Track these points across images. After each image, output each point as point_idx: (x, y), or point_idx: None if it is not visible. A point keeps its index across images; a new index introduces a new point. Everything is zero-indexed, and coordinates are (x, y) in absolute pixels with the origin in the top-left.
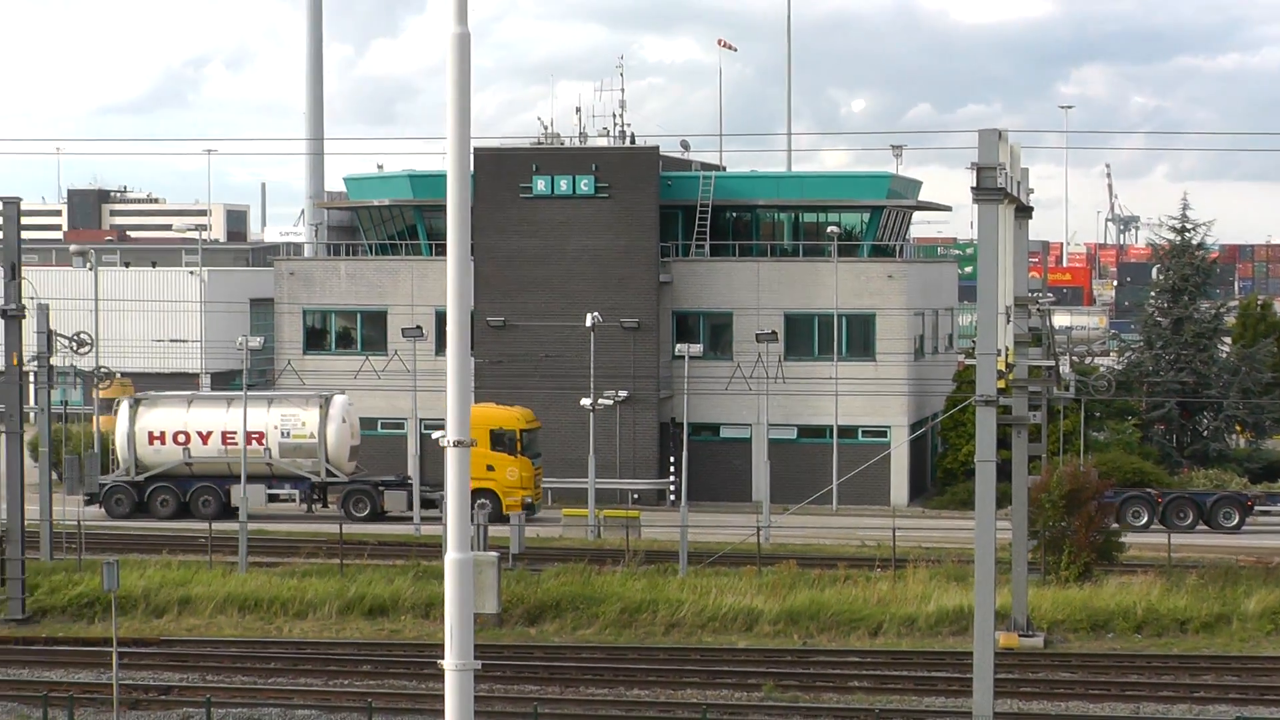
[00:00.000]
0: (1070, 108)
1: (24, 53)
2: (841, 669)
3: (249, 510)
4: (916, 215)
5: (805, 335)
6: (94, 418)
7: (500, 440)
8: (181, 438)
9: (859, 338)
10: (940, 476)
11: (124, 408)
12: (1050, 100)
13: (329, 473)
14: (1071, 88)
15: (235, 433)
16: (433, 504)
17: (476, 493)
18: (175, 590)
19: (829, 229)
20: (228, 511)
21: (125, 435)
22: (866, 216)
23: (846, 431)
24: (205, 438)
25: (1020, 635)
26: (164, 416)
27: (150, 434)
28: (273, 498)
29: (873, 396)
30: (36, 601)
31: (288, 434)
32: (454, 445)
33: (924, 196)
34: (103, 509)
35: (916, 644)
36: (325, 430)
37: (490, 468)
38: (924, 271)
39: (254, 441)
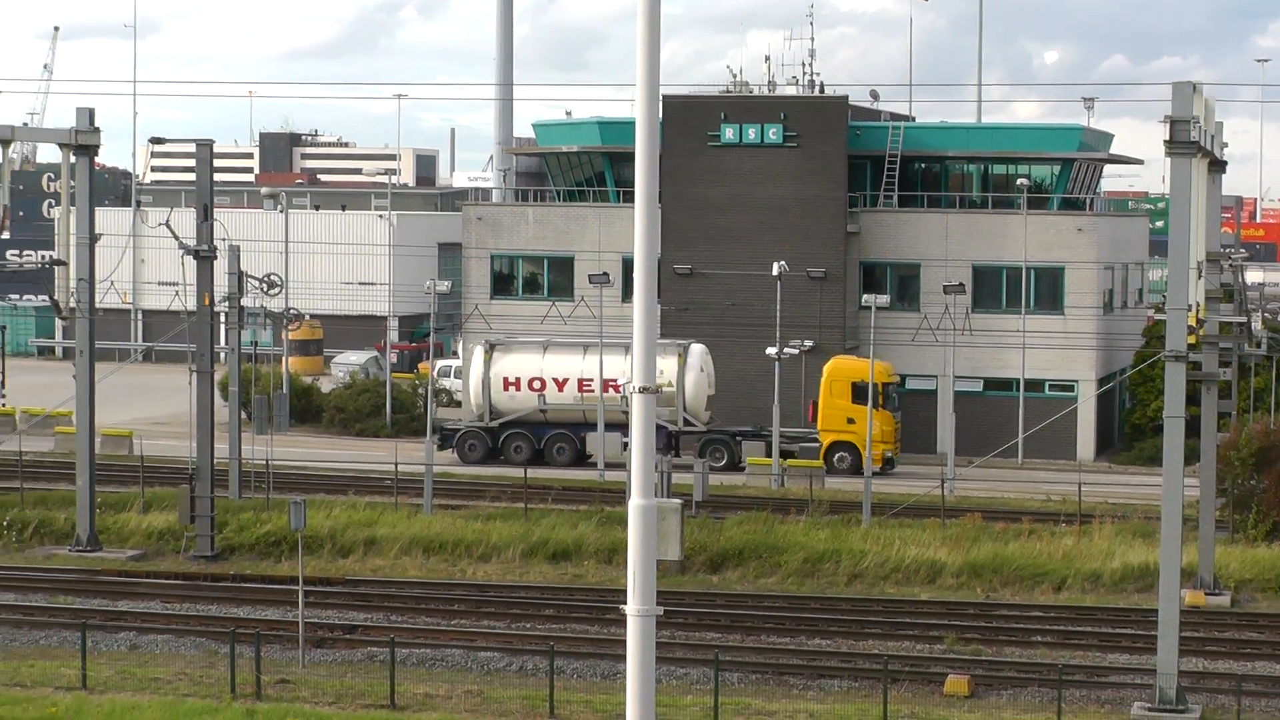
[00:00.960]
0: (1267, 61)
1: None
2: (1024, 623)
3: (605, 459)
4: (1107, 169)
5: (993, 288)
6: (283, 358)
7: (862, 393)
8: (537, 384)
9: (1047, 291)
10: (1128, 432)
11: (478, 353)
12: (1246, 53)
13: (686, 422)
14: (1269, 40)
15: (591, 380)
16: (790, 454)
17: (836, 445)
18: (361, 531)
19: (1018, 181)
20: (581, 459)
21: (480, 381)
22: (1057, 169)
23: (1033, 385)
24: (561, 384)
25: (1206, 593)
26: (519, 362)
27: (505, 380)
28: (627, 445)
29: (1060, 350)
30: (225, 539)
31: None
32: (639, 391)
33: (1115, 150)
34: (455, 454)
35: (1101, 600)
36: (683, 379)
37: (851, 420)
38: (1114, 225)
39: (610, 389)
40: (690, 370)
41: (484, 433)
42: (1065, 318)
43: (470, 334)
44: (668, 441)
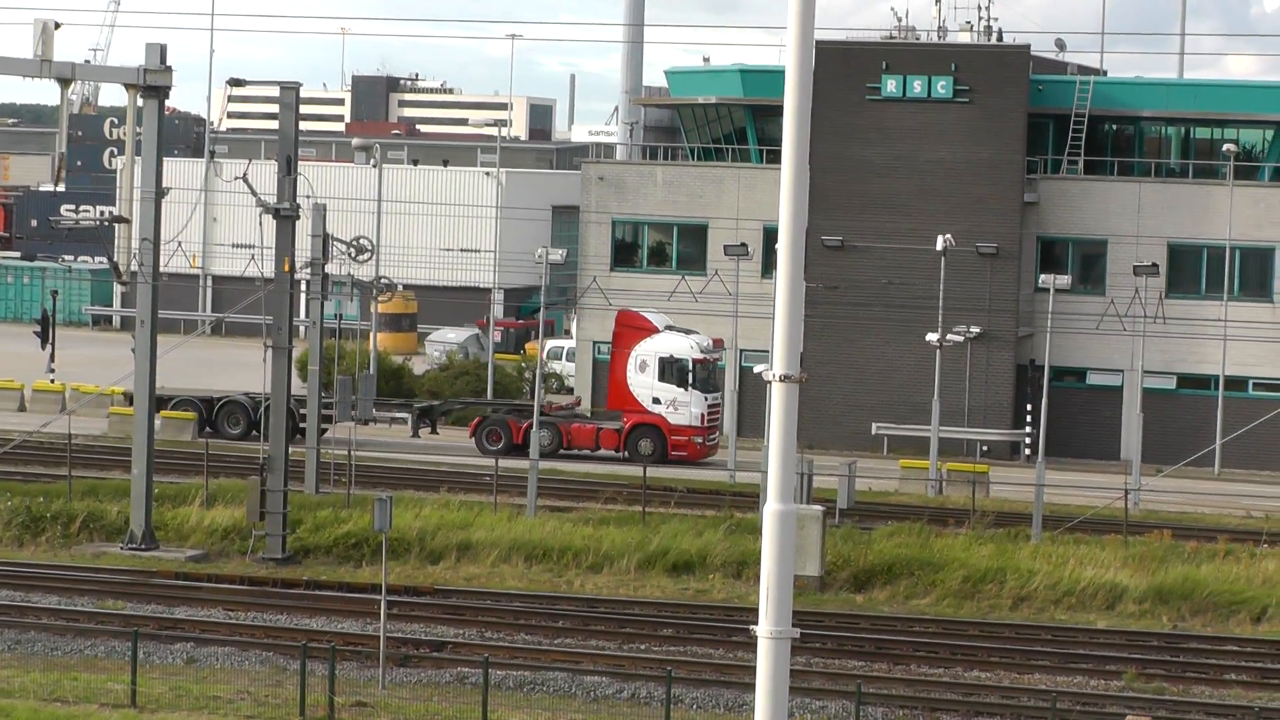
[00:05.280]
0: None
1: None
2: (1217, 658)
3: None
4: None
5: (1192, 269)
6: (372, 334)
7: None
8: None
9: (1255, 275)
10: None
11: None
12: None
13: None
14: None
15: None
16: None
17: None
18: (454, 534)
19: (1225, 147)
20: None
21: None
22: (1270, 134)
23: (1236, 383)
24: None
25: None
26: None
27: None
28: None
29: (1269, 343)
30: (298, 540)
31: None
32: (780, 380)
33: None
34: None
35: None
36: None
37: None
38: None
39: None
40: None
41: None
42: (1275, 306)
43: (586, 310)
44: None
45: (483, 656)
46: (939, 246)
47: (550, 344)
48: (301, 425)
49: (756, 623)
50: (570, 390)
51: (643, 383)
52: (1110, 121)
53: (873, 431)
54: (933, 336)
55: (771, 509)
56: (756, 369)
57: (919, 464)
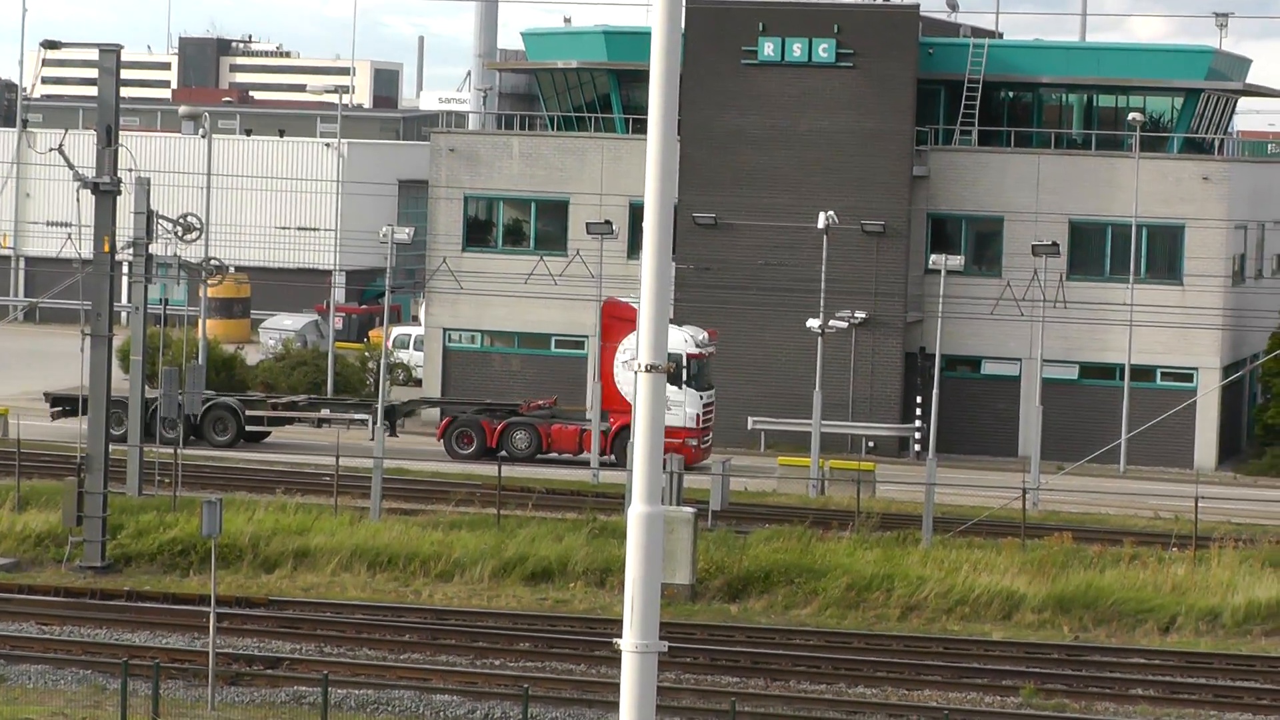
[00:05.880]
0: None
1: None
2: (1122, 672)
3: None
4: (1243, 102)
5: (1095, 249)
6: (201, 321)
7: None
8: None
9: (1163, 255)
10: (1259, 434)
11: None
12: None
13: None
14: None
15: None
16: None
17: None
18: (291, 539)
19: (1131, 116)
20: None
21: None
22: (1179, 101)
23: (1142, 373)
24: None
25: None
26: None
27: None
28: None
29: (1178, 330)
30: (120, 546)
31: None
32: (647, 370)
33: (1254, 79)
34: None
35: (1219, 645)
36: None
37: None
38: (1251, 174)
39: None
40: None
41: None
42: (1185, 289)
43: (436, 294)
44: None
45: (322, 674)
46: (821, 224)
47: (396, 331)
48: (248, 428)
49: (621, 635)
50: (418, 382)
51: (631, 380)
52: (1006, 88)
53: (749, 426)
54: (814, 323)
55: (637, 511)
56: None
57: (799, 462)
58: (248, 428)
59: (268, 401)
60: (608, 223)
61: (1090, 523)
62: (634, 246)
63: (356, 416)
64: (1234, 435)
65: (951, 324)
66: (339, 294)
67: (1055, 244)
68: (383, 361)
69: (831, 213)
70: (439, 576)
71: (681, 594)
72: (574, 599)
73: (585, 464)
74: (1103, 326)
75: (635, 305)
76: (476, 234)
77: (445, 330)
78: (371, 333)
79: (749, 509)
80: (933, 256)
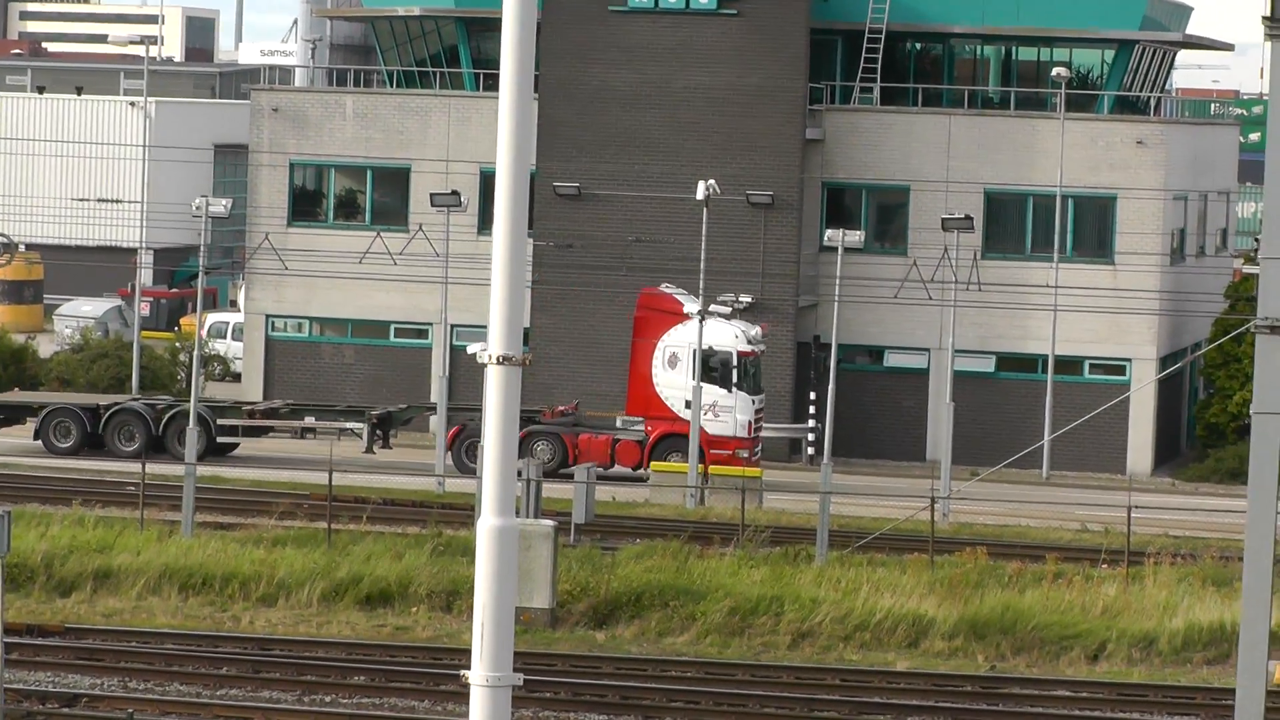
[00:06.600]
0: None
1: None
2: (1044, 706)
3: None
4: (1182, 56)
5: (1014, 224)
6: None
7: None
8: None
9: (1092, 230)
10: (1201, 434)
11: None
12: None
13: None
14: None
15: None
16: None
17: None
18: (90, 558)
19: (1055, 71)
20: None
21: None
22: (1110, 55)
23: (1068, 365)
24: None
25: None
26: None
27: None
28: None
29: (1109, 316)
30: None
31: None
32: (499, 363)
33: (1194, 30)
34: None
35: (1154, 674)
36: None
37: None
38: (1191, 137)
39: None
40: None
41: None
42: (1116, 269)
43: (257, 276)
44: None
45: (126, 712)
46: (699, 195)
47: (212, 319)
48: (219, 439)
49: (469, 667)
50: (237, 377)
51: (673, 382)
52: (913, 39)
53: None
54: (693, 307)
55: (488, 524)
56: (470, 348)
57: (675, 468)
58: (219, 439)
59: (243, 408)
60: (455, 193)
61: (1009, 536)
62: (485, 221)
63: (348, 426)
64: (1172, 436)
65: (850, 309)
66: (146, 275)
67: (969, 217)
68: (196, 354)
69: (712, 182)
70: (261, 600)
71: (540, 619)
72: (416, 625)
73: (614, 478)
74: (1023, 312)
75: (678, 296)
76: (304, 206)
77: (268, 317)
78: (183, 320)
79: (618, 522)
80: (828, 232)
